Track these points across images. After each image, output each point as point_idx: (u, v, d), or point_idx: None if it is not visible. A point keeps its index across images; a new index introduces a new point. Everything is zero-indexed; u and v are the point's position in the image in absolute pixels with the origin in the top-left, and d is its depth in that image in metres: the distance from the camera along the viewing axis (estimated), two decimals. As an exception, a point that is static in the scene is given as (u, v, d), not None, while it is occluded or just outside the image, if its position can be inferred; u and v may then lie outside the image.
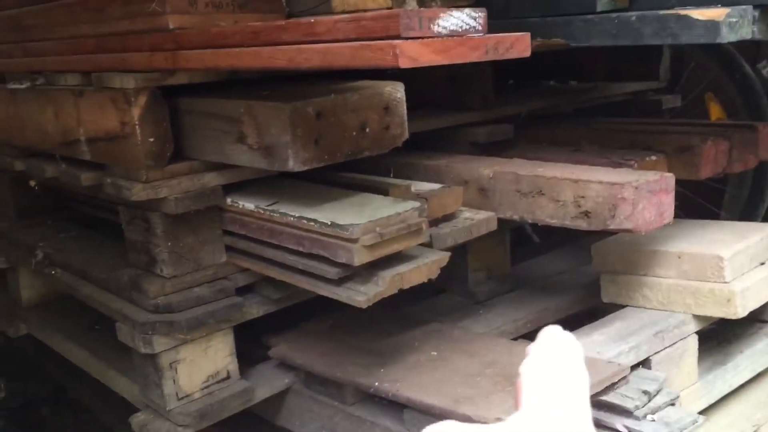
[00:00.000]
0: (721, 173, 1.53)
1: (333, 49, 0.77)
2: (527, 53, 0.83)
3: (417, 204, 1.05)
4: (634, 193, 1.15)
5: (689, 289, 1.31)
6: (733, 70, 2.03)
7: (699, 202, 2.10)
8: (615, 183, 1.17)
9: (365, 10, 1.10)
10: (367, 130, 1.07)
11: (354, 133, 1.05)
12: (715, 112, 2.11)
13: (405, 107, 1.12)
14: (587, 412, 0.30)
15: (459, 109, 1.60)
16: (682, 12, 1.09)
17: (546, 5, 1.26)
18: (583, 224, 1.22)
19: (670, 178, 1.21)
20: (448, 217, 1.24)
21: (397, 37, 0.72)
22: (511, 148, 1.59)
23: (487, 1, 1.32)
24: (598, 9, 1.19)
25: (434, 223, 1.20)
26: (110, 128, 1.12)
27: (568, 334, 0.36)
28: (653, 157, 1.43)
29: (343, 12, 1.08)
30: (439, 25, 0.74)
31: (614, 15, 1.17)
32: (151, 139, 1.08)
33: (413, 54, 0.72)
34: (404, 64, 0.72)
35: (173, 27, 0.99)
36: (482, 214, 1.26)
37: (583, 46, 1.22)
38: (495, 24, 1.32)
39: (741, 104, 2.04)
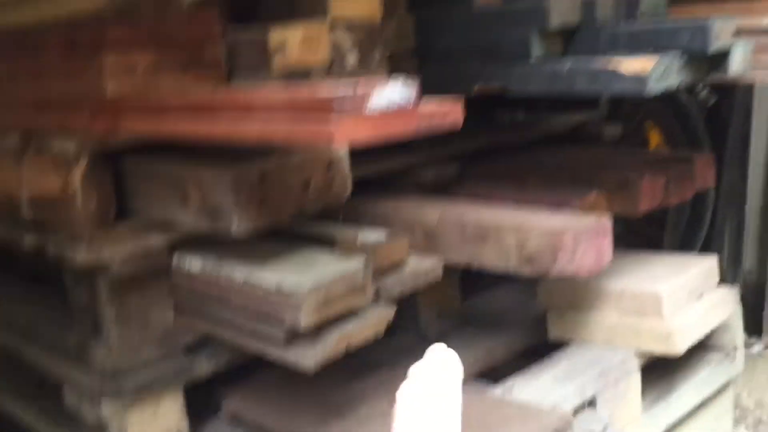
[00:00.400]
0: (659, 206, 1.58)
1: (270, 126, 0.78)
2: (460, 123, 0.85)
3: (362, 262, 1.07)
4: (573, 239, 1.18)
5: (631, 326, 1.35)
6: (670, 99, 2.10)
7: (643, 226, 2.16)
8: (555, 230, 1.20)
9: (306, 68, 1.12)
10: (311, 188, 1.08)
11: (298, 192, 1.06)
12: (655, 139, 2.17)
13: (347, 163, 1.13)
14: None
15: (406, 150, 1.62)
16: (611, 64, 1.13)
17: (485, 52, 1.30)
18: (526, 270, 1.24)
19: (607, 222, 1.25)
20: (395, 267, 1.25)
21: (331, 118, 0.73)
22: (459, 186, 1.61)
23: (430, 48, 1.36)
24: (533, 56, 1.23)
25: (380, 273, 1.22)
26: (51, 191, 1.12)
27: (450, 355, 0.37)
28: (594, 194, 1.47)
29: (285, 69, 1.10)
30: (372, 103, 0.76)
31: (549, 65, 1.21)
32: (94, 203, 1.07)
33: (348, 133, 0.74)
34: (339, 143, 0.73)
35: (112, 92, 0.99)
36: (428, 262, 1.28)
37: (521, 92, 1.26)
38: (437, 70, 1.36)
39: (679, 131, 2.11)
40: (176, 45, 1.03)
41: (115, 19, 1.02)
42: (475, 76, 1.28)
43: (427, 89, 1.39)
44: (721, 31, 1.12)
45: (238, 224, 0.99)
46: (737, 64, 1.17)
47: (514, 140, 1.93)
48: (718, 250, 2.34)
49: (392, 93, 0.77)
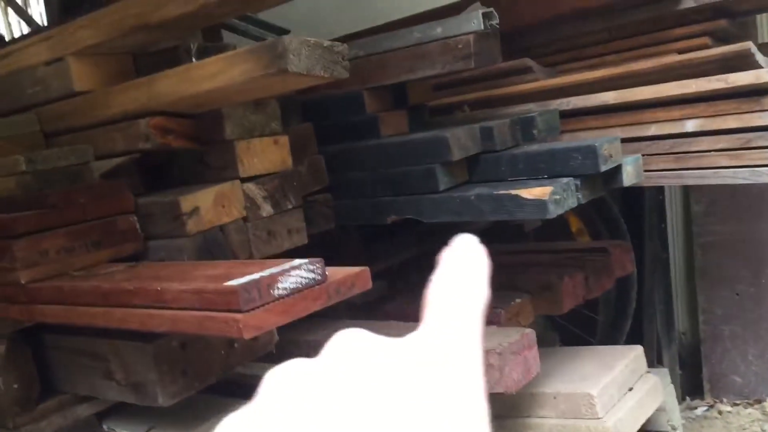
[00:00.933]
0: (581, 301, 1.64)
1: (181, 317, 0.80)
2: (368, 286, 0.89)
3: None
4: (498, 359, 1.22)
5: (568, 428, 1.38)
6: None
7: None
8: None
9: (221, 226, 1.15)
10: (236, 345, 1.10)
11: (222, 353, 1.08)
12: (575, 224, 2.26)
13: (271, 313, 1.15)
14: (477, 335, 0.27)
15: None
16: (514, 191, 1.19)
17: (396, 186, 1.34)
18: (458, 391, 1.27)
19: (531, 336, 1.29)
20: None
21: (239, 310, 0.76)
22: (390, 301, 1.65)
23: (343, 182, 1.41)
24: (441, 188, 1.28)
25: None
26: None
27: (480, 248, 0.31)
28: (518, 300, 1.52)
29: (200, 231, 1.12)
30: (279, 288, 0.78)
31: (456, 194, 1.26)
32: (15, 386, 1.07)
33: (256, 323, 0.76)
34: (248, 334, 0.76)
35: (25, 282, 1.00)
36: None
37: (433, 221, 1.31)
38: (352, 203, 1.40)
39: (596, 215, 2.20)
40: (88, 223, 1.05)
41: (24, 203, 1.04)
42: (387, 208, 1.33)
43: (344, 222, 1.44)
44: (609, 150, 1.19)
45: (162, 398, 0.99)
46: (629, 176, 1.25)
47: (439, 245, 1.98)
48: (651, 319, 2.42)
49: (297, 276, 0.80)
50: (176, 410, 1.17)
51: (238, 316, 0.75)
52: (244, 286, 0.76)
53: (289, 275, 0.80)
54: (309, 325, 1.55)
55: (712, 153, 1.30)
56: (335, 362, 0.26)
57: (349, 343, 0.27)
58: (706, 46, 1.32)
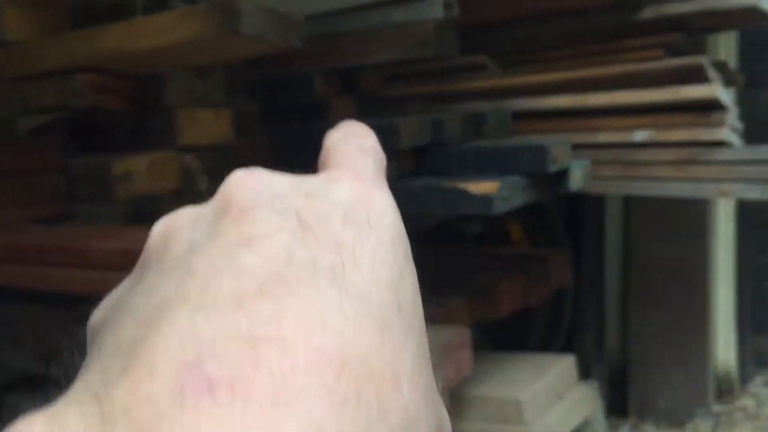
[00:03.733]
0: (519, 308, 1.62)
1: (108, 281, 0.75)
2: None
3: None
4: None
5: (496, 433, 1.36)
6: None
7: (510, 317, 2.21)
8: (415, 345, 1.20)
9: (154, 195, 1.09)
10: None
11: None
12: (516, 233, 2.25)
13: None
14: (385, 187, 0.24)
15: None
16: (461, 185, 1.17)
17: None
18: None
19: (465, 333, 1.27)
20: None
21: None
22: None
23: (287, 164, 1.36)
24: (387, 176, 1.25)
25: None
26: None
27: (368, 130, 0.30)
28: (455, 302, 1.50)
29: (130, 197, 1.06)
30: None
31: (401, 184, 1.23)
32: None
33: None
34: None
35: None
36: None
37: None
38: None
39: (538, 225, 2.20)
40: (10, 178, 0.98)
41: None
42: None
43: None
44: (558, 152, 1.18)
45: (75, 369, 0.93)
46: (576, 181, 1.24)
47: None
48: (582, 336, 2.44)
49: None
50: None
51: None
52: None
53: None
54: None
55: (659, 164, 1.30)
56: (230, 205, 0.22)
57: (244, 182, 0.22)
58: (659, 58, 1.33)
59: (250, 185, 0.22)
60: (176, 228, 0.22)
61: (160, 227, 0.23)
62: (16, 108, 1.09)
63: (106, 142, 1.14)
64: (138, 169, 1.04)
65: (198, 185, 1.14)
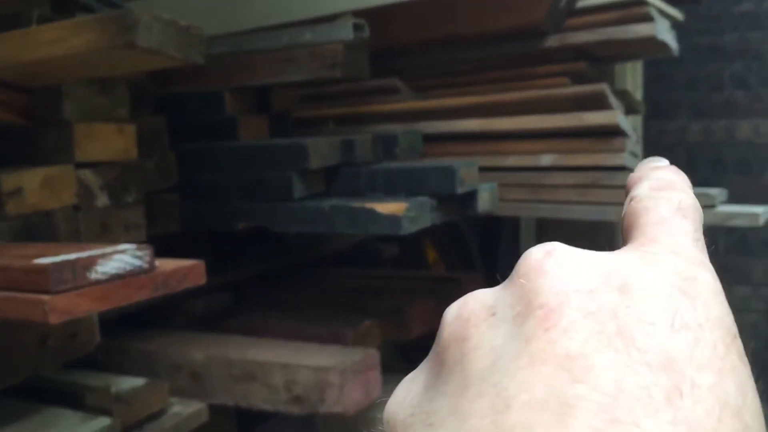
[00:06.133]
0: (430, 330, 1.62)
1: (-22, 297, 0.70)
2: (202, 281, 0.82)
3: (108, 421, 0.98)
4: (340, 377, 1.18)
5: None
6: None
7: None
8: (322, 367, 1.19)
9: (48, 211, 1.05)
10: (50, 343, 0.99)
11: (33, 350, 0.97)
12: (432, 256, 2.27)
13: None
14: (704, 250, 0.20)
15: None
16: (369, 205, 1.17)
17: (251, 192, 1.28)
18: (295, 409, 1.21)
19: (375, 356, 1.26)
20: (155, 416, 1.17)
21: (47, 291, 0.67)
22: (235, 316, 1.57)
23: (194, 183, 1.33)
24: (296, 196, 1.24)
25: (138, 425, 1.13)
26: None
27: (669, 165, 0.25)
28: (367, 324, 1.49)
29: (21, 214, 1.01)
30: (96, 272, 0.71)
31: (310, 204, 1.22)
32: None
33: (66, 307, 0.68)
34: (55, 319, 0.67)
35: None
36: (193, 407, 1.21)
37: (285, 230, 1.26)
38: (202, 206, 1.33)
39: (453, 249, 2.22)
40: None
41: None
42: (239, 214, 1.27)
43: (191, 225, 1.36)
44: (466, 174, 1.19)
45: (-46, 395, 0.87)
46: (484, 203, 1.25)
47: (294, 262, 1.93)
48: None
49: (121, 260, 0.73)
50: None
51: (45, 297, 0.66)
52: (56, 265, 0.68)
53: (111, 259, 0.72)
54: (144, 333, 1.44)
55: (564, 188, 1.33)
56: (536, 289, 0.19)
57: (545, 268, 0.19)
58: (564, 85, 1.36)
59: (553, 274, 0.19)
60: (473, 323, 0.20)
61: (454, 316, 0.21)
62: None
63: (-2, 156, 1.09)
64: (30, 184, 1.00)
65: (97, 202, 1.10)
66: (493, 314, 0.20)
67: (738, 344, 0.18)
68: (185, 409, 1.21)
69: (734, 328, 0.19)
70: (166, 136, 1.28)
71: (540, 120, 1.34)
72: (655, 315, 0.17)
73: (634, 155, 1.34)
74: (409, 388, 0.21)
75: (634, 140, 1.32)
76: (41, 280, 0.67)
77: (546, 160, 1.35)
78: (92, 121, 1.09)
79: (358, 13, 1.37)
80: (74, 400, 1.08)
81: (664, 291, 0.18)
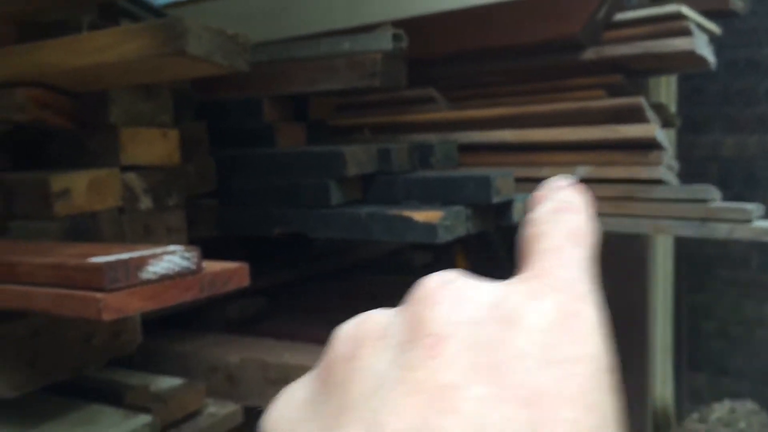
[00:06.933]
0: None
1: (35, 294, 0.73)
2: (246, 283, 0.84)
3: (149, 419, 1.00)
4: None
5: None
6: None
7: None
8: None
9: (93, 213, 1.07)
10: (94, 341, 1.01)
11: (78, 348, 0.99)
12: (461, 264, 2.27)
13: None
14: (592, 278, 0.21)
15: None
16: (405, 213, 1.18)
17: (287, 198, 1.31)
18: (327, 414, 1.23)
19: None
20: (191, 416, 1.19)
21: (101, 289, 0.69)
22: (268, 320, 1.59)
23: (232, 189, 1.35)
24: (333, 203, 1.25)
25: (175, 424, 1.15)
26: None
27: (577, 185, 0.25)
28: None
29: (69, 215, 1.04)
30: (148, 272, 0.73)
31: (346, 211, 1.24)
32: None
33: (119, 305, 0.70)
34: (108, 317, 0.69)
35: None
36: (228, 408, 1.23)
37: (321, 236, 1.27)
38: (239, 211, 1.35)
39: (484, 259, 2.23)
40: (-58, 191, 0.96)
41: None
42: (275, 219, 1.29)
43: (228, 230, 1.38)
44: (502, 184, 1.20)
45: (3, 388, 0.90)
46: (519, 214, 1.26)
47: (326, 269, 1.95)
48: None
49: (170, 261, 0.75)
50: (15, 406, 1.06)
51: (99, 295, 0.69)
52: (110, 264, 0.70)
53: (161, 260, 0.74)
54: (181, 334, 1.47)
55: (599, 200, 1.33)
56: (421, 311, 0.20)
57: (438, 298, 0.20)
58: (600, 98, 1.37)
59: (445, 305, 0.20)
60: (363, 343, 0.21)
61: (348, 334, 0.22)
62: (-48, 120, 1.07)
63: (44, 158, 1.12)
64: (78, 186, 1.02)
65: (140, 204, 1.12)
66: (384, 337, 0.20)
67: (610, 379, 0.19)
68: (221, 410, 1.23)
69: (609, 363, 0.19)
70: (206, 142, 1.31)
71: (576, 132, 1.35)
72: (531, 350, 0.18)
73: (671, 169, 1.34)
74: (290, 400, 0.22)
75: (670, 154, 1.32)
76: (96, 279, 0.70)
77: (581, 171, 1.35)
78: (137, 125, 1.11)
79: (395, 23, 1.39)
80: (114, 397, 1.11)
81: (544, 326, 0.19)
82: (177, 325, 1.50)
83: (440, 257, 2.35)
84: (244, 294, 1.60)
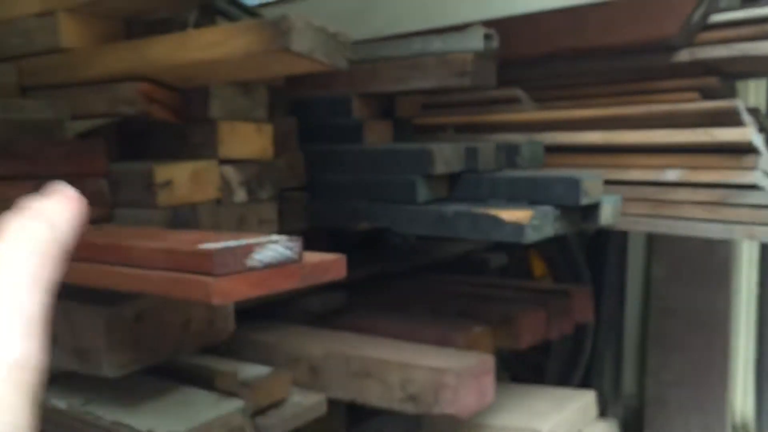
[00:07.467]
0: (540, 340, 1.62)
1: (149, 278, 0.77)
2: (343, 275, 0.86)
3: (241, 404, 1.04)
4: (456, 379, 1.19)
5: (513, 464, 1.35)
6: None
7: (528, 352, 2.21)
8: (438, 369, 1.21)
9: (193, 204, 1.12)
10: (191, 327, 1.05)
11: (177, 332, 1.03)
12: (538, 268, 2.26)
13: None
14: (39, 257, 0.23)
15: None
16: (492, 212, 1.18)
17: (373, 191, 1.33)
18: (409, 408, 1.24)
19: (489, 360, 1.27)
20: (276, 404, 1.22)
21: (211, 274, 0.72)
22: (347, 316, 1.61)
23: (320, 183, 1.38)
24: (419, 200, 1.27)
25: (261, 411, 1.18)
26: None
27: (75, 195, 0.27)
28: (478, 330, 1.50)
29: (171, 205, 1.09)
30: (254, 259, 0.75)
31: (432, 209, 1.25)
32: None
33: (227, 290, 0.73)
34: (217, 300, 0.72)
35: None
36: (311, 398, 1.26)
37: (406, 232, 1.29)
38: (327, 205, 1.38)
39: (561, 262, 2.21)
40: (56, 178, 1.01)
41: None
42: (362, 214, 1.31)
43: (316, 223, 1.41)
44: (590, 186, 1.19)
45: (108, 368, 0.94)
46: (607, 216, 1.25)
47: (404, 267, 1.96)
48: (600, 375, 2.42)
49: (274, 250, 0.78)
50: (116, 386, 1.11)
51: (210, 279, 0.72)
52: (220, 251, 0.73)
53: (265, 248, 0.77)
54: (266, 326, 1.51)
55: (689, 204, 1.31)
56: None
57: None
58: (693, 101, 1.34)
59: None
60: None
61: None
62: (65, 112, 1.13)
63: (148, 150, 1.16)
64: (180, 177, 1.07)
65: (235, 197, 1.16)
66: None
67: (29, 379, 0.20)
68: (305, 400, 1.26)
69: (29, 361, 0.20)
70: (296, 137, 1.34)
71: (667, 134, 1.33)
72: None
73: (766, 173, 1.30)
74: None
75: (766, 158, 1.29)
76: (206, 264, 0.73)
77: (672, 175, 1.33)
78: (235, 120, 1.15)
79: (485, 23, 1.39)
80: (204, 382, 1.15)
81: None
82: (258, 317, 1.54)
83: (517, 260, 2.34)
84: (325, 288, 1.64)
